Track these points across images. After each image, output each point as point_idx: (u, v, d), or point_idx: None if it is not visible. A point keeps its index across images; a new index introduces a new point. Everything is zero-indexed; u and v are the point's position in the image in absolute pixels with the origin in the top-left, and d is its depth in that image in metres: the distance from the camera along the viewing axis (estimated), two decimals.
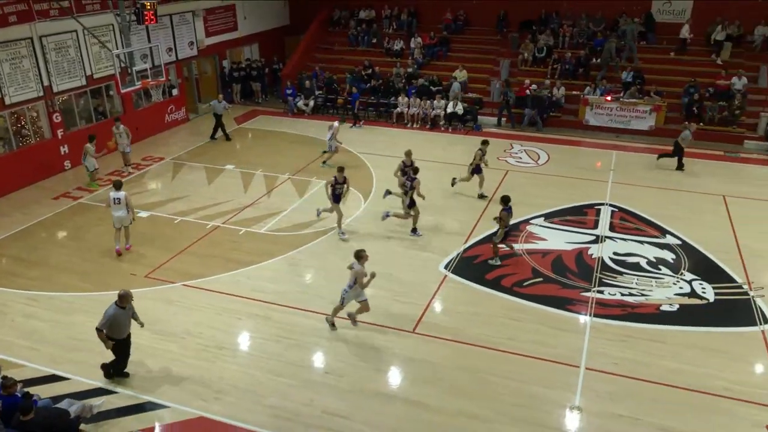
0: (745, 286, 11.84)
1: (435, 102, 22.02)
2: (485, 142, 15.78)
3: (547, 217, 14.77)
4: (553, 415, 8.70)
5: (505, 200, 12.66)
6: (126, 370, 9.30)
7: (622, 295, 11.59)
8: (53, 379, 9.29)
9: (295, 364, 9.69)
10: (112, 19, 18.02)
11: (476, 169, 15.68)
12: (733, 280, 12.07)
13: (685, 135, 17.59)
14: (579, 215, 14.90)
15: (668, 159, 17.95)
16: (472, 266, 12.63)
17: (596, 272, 12.36)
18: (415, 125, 22.05)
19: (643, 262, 12.73)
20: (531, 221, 14.54)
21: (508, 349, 10.01)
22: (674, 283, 11.98)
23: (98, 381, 9.20)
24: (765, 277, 12.11)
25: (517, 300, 11.45)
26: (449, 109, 21.60)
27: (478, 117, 21.98)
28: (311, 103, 23.49)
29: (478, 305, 11.34)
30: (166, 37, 21.24)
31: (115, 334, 8.83)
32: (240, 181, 17.02)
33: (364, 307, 10.35)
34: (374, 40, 25.90)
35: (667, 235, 13.86)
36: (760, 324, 10.72)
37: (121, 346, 9.02)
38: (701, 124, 20.21)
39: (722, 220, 14.71)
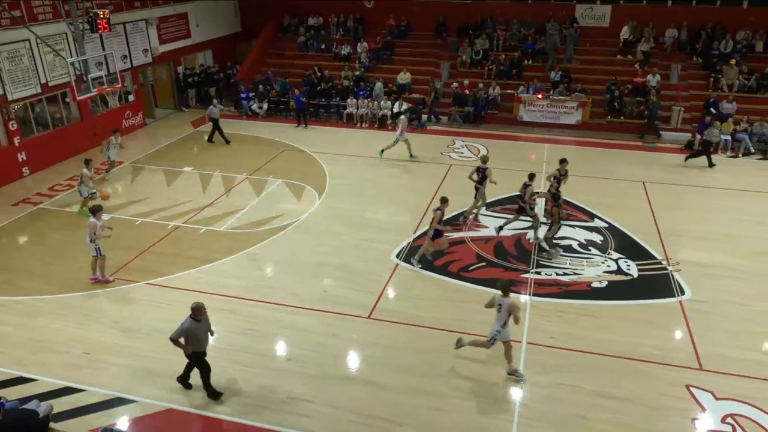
0: (664, 262, 12.37)
1: (382, 103, 22.05)
2: (564, 161, 14.11)
3: (489, 206, 15.03)
4: (501, 387, 8.90)
5: (443, 200, 12.28)
6: (190, 382, 8.80)
7: (557, 275, 11.93)
8: (20, 381, 8.90)
9: (259, 354, 9.58)
10: (66, 27, 17.25)
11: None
12: (653, 257, 12.59)
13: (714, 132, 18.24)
14: (516, 204, 15.18)
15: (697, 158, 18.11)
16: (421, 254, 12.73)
17: (533, 255, 12.68)
18: (364, 125, 22.04)
19: (574, 244, 13.13)
20: (474, 210, 14.75)
21: (458, 329, 10.14)
22: (603, 262, 12.41)
23: (64, 381, 8.86)
24: (681, 254, 12.68)
25: (464, 284, 11.64)
26: (395, 109, 21.68)
27: (422, 116, 22.13)
28: (265, 106, 23.14)
29: (428, 290, 11.47)
30: (120, 45, 20.49)
31: (195, 347, 8.24)
32: (199, 182, 16.63)
33: (509, 348, 9.00)
34: (323, 46, 25.70)
35: (595, 219, 14.33)
36: (678, 295, 11.23)
37: (201, 359, 8.43)
38: (622, 117, 20.97)
39: (642, 203, 15.30)
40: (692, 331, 10.17)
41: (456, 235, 13.53)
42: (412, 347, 9.77)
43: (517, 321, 8.82)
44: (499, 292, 8.91)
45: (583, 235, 13.54)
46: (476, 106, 21.89)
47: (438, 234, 12.07)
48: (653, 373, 9.17)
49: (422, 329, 10.21)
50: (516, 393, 8.80)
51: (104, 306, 10.80)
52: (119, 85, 17.77)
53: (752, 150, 18.90)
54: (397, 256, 12.65)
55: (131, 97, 21.31)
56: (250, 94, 23.24)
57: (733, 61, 21.02)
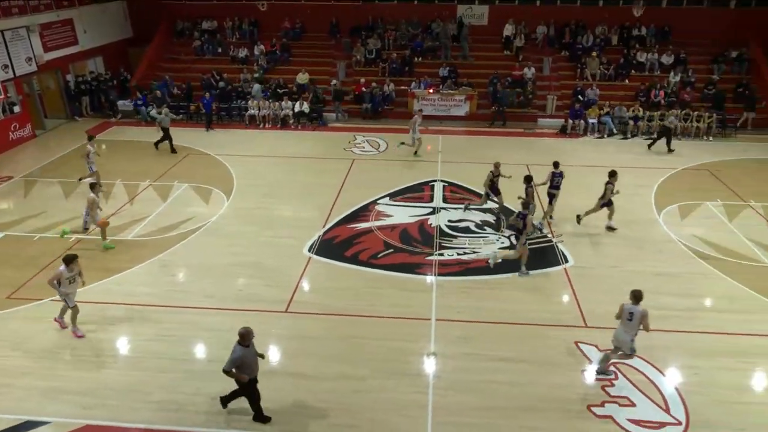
0: (549, 235, 13.19)
1: (283, 103, 21.65)
2: (613, 174, 12.97)
3: (392, 196, 15.26)
4: (416, 364, 9.11)
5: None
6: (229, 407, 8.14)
7: (458, 254, 12.37)
8: None
9: (177, 359, 9.15)
10: None
11: (607, 203, 13.15)
12: (540, 231, 13.37)
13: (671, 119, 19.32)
14: (417, 192, 15.58)
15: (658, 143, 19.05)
16: (332, 246, 12.71)
17: (436, 238, 13.05)
18: (266, 125, 21.53)
19: (471, 226, 13.66)
20: (378, 201, 14.93)
21: (372, 314, 10.27)
22: (497, 240, 13.01)
23: None
24: (563, 227, 13.57)
25: (374, 271, 11.75)
26: (297, 109, 21.38)
27: (324, 114, 21.99)
28: (164, 111, 21.90)
29: (341, 280, 11.47)
30: (0, 54, 18.59)
31: (247, 374, 7.48)
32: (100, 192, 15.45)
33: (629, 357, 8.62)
34: (219, 49, 24.76)
35: (488, 201, 14.96)
36: (563, 263, 12.03)
37: (254, 387, 7.72)
38: (503, 107, 21.98)
39: None
40: (577, 293, 10.94)
41: (363, 225, 13.61)
42: (330, 336, 9.74)
43: (647, 329, 8.24)
44: (629, 301, 8.37)
45: (478, 217, 14.11)
46: (373, 103, 22.09)
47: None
48: (547, 334, 9.78)
49: (339, 318, 10.21)
50: (429, 367, 9.05)
51: (7, 328, 9.82)
52: (1, 96, 16.10)
53: (615, 131, 20.56)
54: (309, 249, 12.53)
55: (17, 108, 19.39)
56: (147, 99, 21.88)
57: (594, 54, 22.72)
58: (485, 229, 13.47)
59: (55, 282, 9.28)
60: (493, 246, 12.69)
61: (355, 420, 7.97)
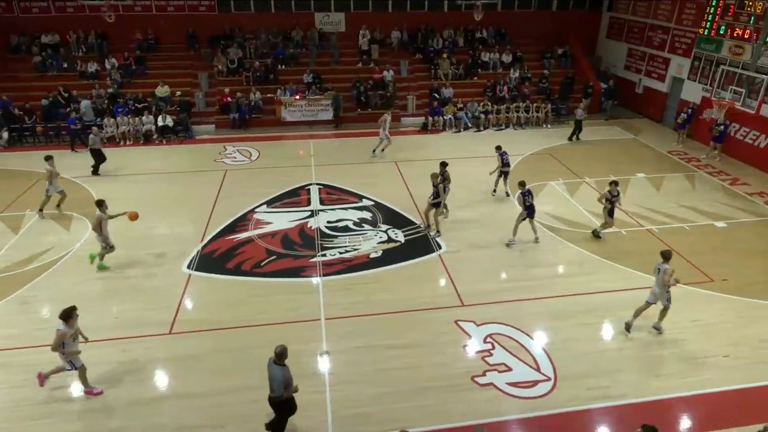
0: (422, 226, 13.77)
1: (144, 118, 20.21)
2: (614, 183, 12.69)
3: (269, 203, 14.95)
4: (310, 364, 9.04)
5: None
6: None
7: (340, 253, 12.46)
8: None
9: (51, 401, 8.20)
10: None
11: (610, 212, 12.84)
12: (413, 223, 13.92)
13: (578, 112, 20.40)
14: (294, 197, 15.42)
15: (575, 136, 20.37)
16: (212, 260, 12.16)
17: (317, 240, 13.03)
18: (128, 142, 19.94)
19: (350, 224, 13.83)
20: (256, 210, 14.54)
21: (261, 322, 10.00)
22: (375, 235, 13.32)
23: None
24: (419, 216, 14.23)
25: (259, 279, 11.44)
26: (160, 123, 20.07)
27: (191, 127, 20.89)
28: (5, 134, 19.40)
29: (226, 293, 11.02)
30: None
31: (288, 392, 7.10)
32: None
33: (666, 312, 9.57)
34: (65, 65, 22.39)
35: (363, 199, 15.26)
36: (437, 250, 12.64)
37: (293, 403, 7.34)
38: (369, 109, 22.51)
39: (398, 179, 16.75)
40: (452, 276, 11.55)
41: (243, 235, 13.19)
42: (220, 350, 9.33)
43: (667, 284, 9.14)
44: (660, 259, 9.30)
45: (355, 215, 14.31)
46: (240, 112, 21.43)
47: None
48: (429, 317, 10.22)
49: (227, 331, 9.81)
50: (324, 365, 9.03)
51: None
52: None
53: (469, 125, 21.97)
54: (188, 266, 11.87)
55: None
56: None
57: (445, 55, 24.05)
58: (363, 227, 13.71)
59: (60, 346, 7.97)
60: (372, 242, 12.95)
61: (257, 430, 7.72)
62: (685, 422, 8.00)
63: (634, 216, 14.24)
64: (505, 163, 15.06)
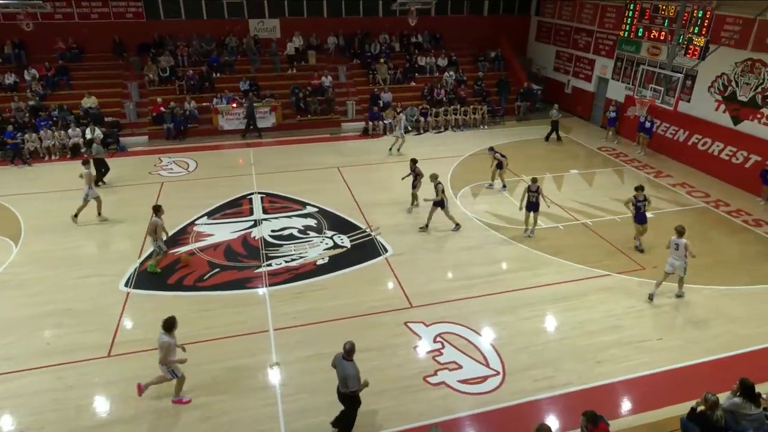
0: (368, 230, 13.79)
1: (70, 131, 19.16)
2: (639, 188, 12.73)
3: (210, 215, 14.54)
4: (261, 377, 8.84)
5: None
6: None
7: (286, 262, 12.27)
8: None
9: None
10: None
11: (640, 218, 12.71)
12: (359, 228, 13.91)
13: (553, 113, 20.75)
14: (236, 207, 15.06)
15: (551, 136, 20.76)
16: (152, 276, 11.67)
17: (262, 250, 12.77)
18: (53, 157, 18.83)
19: (295, 232, 13.65)
20: (196, 222, 14.10)
21: (207, 338, 9.68)
22: (321, 242, 13.21)
23: None
24: (378, 220, 14.29)
25: (202, 293, 11.09)
26: (88, 136, 19.07)
27: (120, 139, 20.00)
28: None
29: (168, 310, 10.50)
30: None
31: (361, 387, 7.24)
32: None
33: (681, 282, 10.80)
34: None
35: (307, 206, 15.11)
36: (383, 254, 12.68)
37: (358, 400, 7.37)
38: (309, 116, 22.33)
39: (341, 185, 16.70)
40: (400, 279, 11.62)
41: (183, 249, 12.75)
42: None
43: (693, 255, 10.40)
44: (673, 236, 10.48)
45: (300, 223, 14.15)
46: (175, 122, 20.73)
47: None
48: (379, 321, 10.24)
49: None
50: (275, 377, 8.85)
51: None
52: None
53: (410, 128, 22.21)
54: (126, 284, 11.34)
55: None
56: None
57: (382, 60, 24.23)
58: (308, 234, 13.57)
59: (170, 356, 7.93)
60: (318, 249, 12.84)
61: None
62: (626, 404, 8.39)
63: (569, 210, 14.84)
64: (499, 159, 15.96)
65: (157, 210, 11.59)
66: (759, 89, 16.10)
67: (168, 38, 23.40)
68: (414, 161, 14.67)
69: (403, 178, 15.32)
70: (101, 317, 10.24)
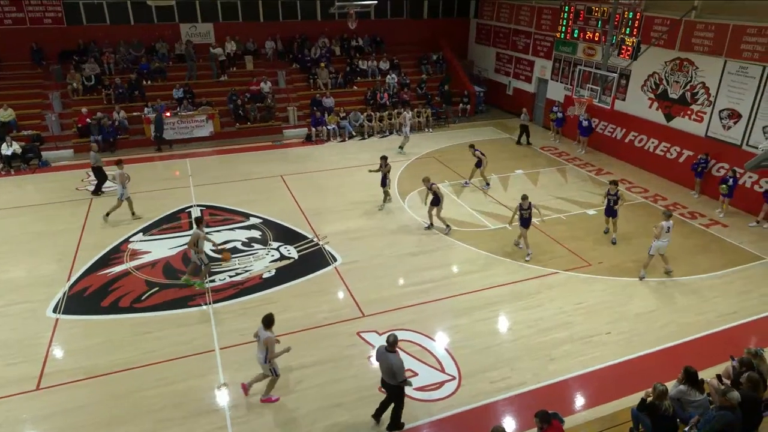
0: (315, 239, 13.68)
1: None
2: (613, 183, 13.47)
3: (146, 231, 14.01)
4: (209, 400, 8.57)
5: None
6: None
7: (230, 277, 11.98)
8: None
9: None
10: None
11: (607, 211, 13.60)
12: (306, 237, 13.78)
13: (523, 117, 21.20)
14: (174, 221, 14.58)
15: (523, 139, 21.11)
16: (83, 300, 11.11)
17: (203, 266, 12.40)
18: None
19: (238, 245, 13.35)
20: (131, 239, 13.55)
21: (148, 362, 9.29)
22: (267, 254, 12.98)
23: None
24: (325, 228, 14.20)
25: (141, 315, 10.64)
26: (5, 152, 17.98)
27: (43, 153, 18.96)
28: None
29: (103, 335, 10.09)
30: None
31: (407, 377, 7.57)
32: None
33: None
34: None
35: (251, 218, 14.82)
36: (332, 263, 12.60)
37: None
38: (249, 123, 21.97)
39: (285, 194, 16.50)
40: (350, 288, 11.58)
41: (118, 268, 12.21)
42: (102, 400, 8.52)
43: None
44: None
45: (243, 235, 13.86)
46: (103, 134, 19.87)
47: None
48: (332, 332, 10.15)
49: (109, 377, 8.99)
50: (223, 398, 8.60)
51: None
52: None
53: (354, 134, 22.27)
54: (54, 310, 10.73)
55: None
56: None
57: (322, 64, 24.18)
58: (253, 246, 13.31)
59: (275, 352, 8.12)
60: (264, 261, 12.61)
61: None
62: (580, 400, 8.68)
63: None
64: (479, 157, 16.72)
65: (199, 222, 11.59)
66: (688, 87, 17.17)
67: (92, 44, 22.45)
68: (384, 158, 15.19)
69: (370, 171, 15.83)
70: (28, 347, 9.64)
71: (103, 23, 22.76)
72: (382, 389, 7.99)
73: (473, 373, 9.14)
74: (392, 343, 7.51)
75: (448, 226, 14.01)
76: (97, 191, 16.32)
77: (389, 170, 15.27)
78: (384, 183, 15.33)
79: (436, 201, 13.80)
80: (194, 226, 11.79)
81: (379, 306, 10.90)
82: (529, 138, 21.30)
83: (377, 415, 8.09)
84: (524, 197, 12.75)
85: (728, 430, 6.41)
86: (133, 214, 14.65)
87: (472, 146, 17.07)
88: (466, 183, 17.27)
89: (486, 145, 21.20)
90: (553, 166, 19.02)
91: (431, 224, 14.14)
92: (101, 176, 16.35)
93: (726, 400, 6.45)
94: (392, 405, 7.88)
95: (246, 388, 8.55)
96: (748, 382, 6.91)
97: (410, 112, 21.52)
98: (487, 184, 17.07)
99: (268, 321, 8.16)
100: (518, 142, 21.39)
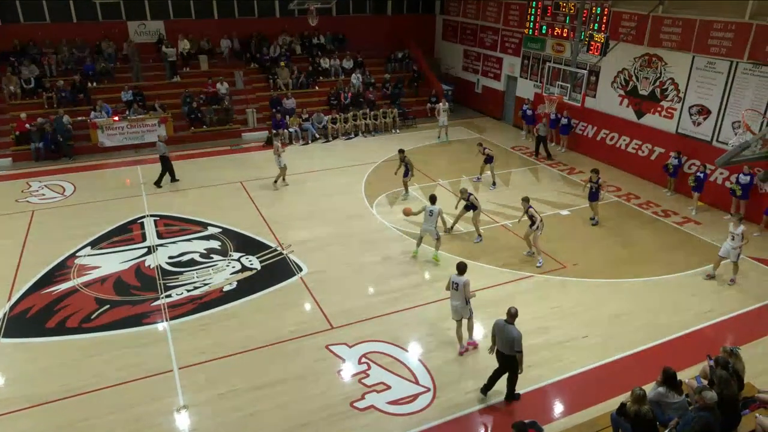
0: (279, 248, 13.54)
1: None
2: (595, 171, 14.78)
3: (94, 244, 13.61)
4: (167, 424, 8.34)
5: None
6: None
7: (188, 291, 11.74)
8: None
9: None
10: None
11: (592, 197, 14.84)
12: (269, 247, 13.62)
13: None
14: (125, 233, 14.22)
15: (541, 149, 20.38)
16: (25, 322, 10.70)
17: (159, 280, 12.13)
18: None
19: (196, 257, 13.10)
20: (77, 254, 13.15)
21: (97, 387, 9.00)
22: (227, 265, 12.78)
23: None
24: (289, 237, 14.07)
25: (89, 335, 10.31)
26: None
27: None
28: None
29: (47, 359, 9.73)
30: None
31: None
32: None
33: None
34: None
35: (209, 227, 14.57)
36: (297, 273, 12.49)
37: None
38: (204, 126, 21.65)
39: (245, 201, 16.29)
40: (317, 299, 11.49)
41: (64, 285, 11.83)
42: (48, 429, 8.20)
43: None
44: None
45: (201, 246, 13.61)
46: (45, 141, 19.26)
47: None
48: (298, 347, 10.04)
49: (54, 405, 8.66)
50: (183, 422, 8.40)
51: None
52: None
53: (317, 136, 22.18)
54: None
55: None
56: None
57: (282, 64, 24.03)
58: (212, 257, 13.09)
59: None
60: (224, 273, 12.41)
61: None
62: (559, 407, 8.79)
63: (488, 213, 15.43)
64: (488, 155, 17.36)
65: (434, 199, 12.70)
66: (657, 83, 17.71)
67: (31, 44, 21.77)
68: (402, 151, 16.48)
69: (395, 173, 16.60)
70: None
71: (43, 21, 22.12)
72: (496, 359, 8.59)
73: (448, 384, 9.16)
74: (513, 315, 8.19)
75: (479, 236, 14.09)
76: (159, 182, 17.24)
77: (410, 164, 16.28)
78: (406, 174, 16.31)
79: (473, 207, 13.87)
80: (432, 202, 12.82)
81: (348, 317, 10.84)
82: (548, 150, 20.27)
83: (486, 389, 8.76)
84: (526, 199, 13.23)
85: (707, 431, 6.58)
86: (283, 179, 17.19)
87: (480, 144, 17.85)
88: (477, 179, 17.90)
89: (455, 146, 21.47)
90: (525, 166, 19.32)
91: (479, 235, 14.10)
92: (167, 166, 17.17)
93: (701, 398, 6.63)
94: (507, 376, 8.55)
95: (471, 344, 9.94)
96: (717, 381, 7.12)
97: (443, 105, 22.03)
98: (494, 183, 17.47)
99: (463, 267, 9.55)
100: (536, 154, 20.55)
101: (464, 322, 9.81)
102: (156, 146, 17.47)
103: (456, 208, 14.48)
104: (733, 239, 11.82)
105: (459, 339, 9.89)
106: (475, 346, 10.00)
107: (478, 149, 17.62)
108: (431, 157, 20.04)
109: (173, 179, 17.56)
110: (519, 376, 8.51)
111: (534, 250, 13.05)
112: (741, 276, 12.34)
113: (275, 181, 17.34)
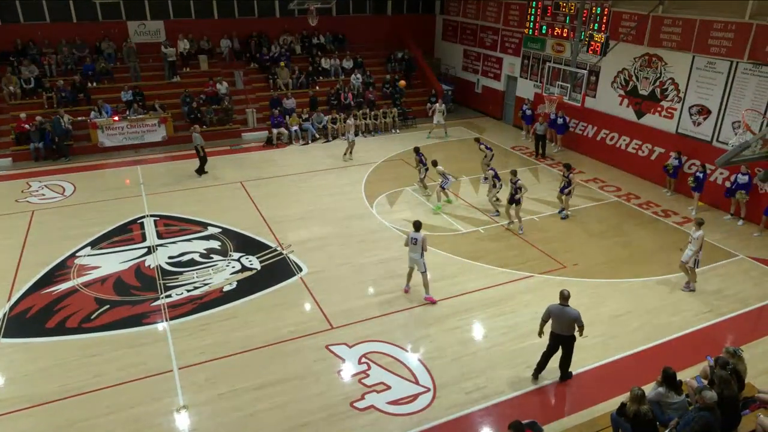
0: (279, 248, 13.55)
1: None
2: (567, 166, 15.39)
3: (94, 245, 13.62)
4: (167, 425, 8.35)
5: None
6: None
7: (188, 291, 11.75)
8: None
9: None
10: None
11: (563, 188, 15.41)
12: (269, 247, 13.62)
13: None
14: (125, 233, 14.23)
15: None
16: (25, 322, 10.71)
17: (159, 280, 12.14)
18: None
19: (196, 257, 13.11)
20: (77, 254, 13.15)
21: (98, 387, 9.01)
22: (227, 265, 12.78)
23: None
24: (289, 237, 14.08)
25: (89, 336, 10.32)
26: None
27: None
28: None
29: (47, 359, 9.74)
30: None
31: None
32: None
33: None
34: None
35: (209, 227, 14.58)
36: (297, 273, 12.50)
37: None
38: (204, 127, 21.63)
39: (245, 201, 16.30)
40: (317, 299, 11.50)
41: (64, 286, 11.84)
42: (48, 429, 8.22)
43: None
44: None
45: (201, 246, 13.61)
46: (46, 141, 19.26)
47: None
48: (297, 347, 10.05)
49: (54, 404, 8.67)
50: (183, 422, 8.41)
51: None
52: None
53: (317, 136, 22.18)
54: None
55: None
56: None
57: (282, 63, 24.03)
58: (212, 258, 13.09)
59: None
60: (224, 273, 12.42)
61: None
62: (559, 406, 8.81)
63: (488, 213, 15.45)
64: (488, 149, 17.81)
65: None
66: (657, 83, 17.72)
67: (31, 44, 21.78)
68: (417, 149, 17.06)
69: (422, 177, 16.81)
70: None
71: (43, 21, 22.12)
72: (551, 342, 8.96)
73: (448, 383, 9.17)
74: (567, 297, 8.60)
75: (520, 227, 14.48)
76: (201, 171, 18.11)
77: (424, 163, 16.58)
78: (422, 171, 16.70)
79: (517, 200, 14.29)
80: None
81: (348, 317, 10.85)
82: (545, 149, 20.49)
83: (537, 372, 9.14)
84: (514, 172, 14.33)
85: (707, 431, 6.59)
86: (350, 153, 19.32)
87: (477, 140, 18.11)
88: (485, 179, 17.60)
89: (455, 146, 21.48)
90: (525, 166, 19.33)
91: (512, 221, 14.75)
92: (202, 157, 17.97)
93: (701, 398, 6.64)
94: (561, 357, 9.00)
95: (428, 299, 11.17)
96: (718, 381, 7.13)
97: (440, 105, 22.50)
98: (485, 178, 17.50)
99: (419, 225, 11.03)
100: (536, 153, 20.64)
101: (419, 274, 11.23)
102: (192, 138, 18.07)
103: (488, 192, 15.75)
104: (690, 243, 11.62)
105: (408, 279, 11.49)
106: (433, 302, 11.20)
107: (477, 146, 17.78)
108: (431, 157, 20.00)
109: (200, 172, 18.18)
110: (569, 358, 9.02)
111: (516, 220, 14.37)
112: (741, 276, 12.36)
113: (345, 154, 19.65)
